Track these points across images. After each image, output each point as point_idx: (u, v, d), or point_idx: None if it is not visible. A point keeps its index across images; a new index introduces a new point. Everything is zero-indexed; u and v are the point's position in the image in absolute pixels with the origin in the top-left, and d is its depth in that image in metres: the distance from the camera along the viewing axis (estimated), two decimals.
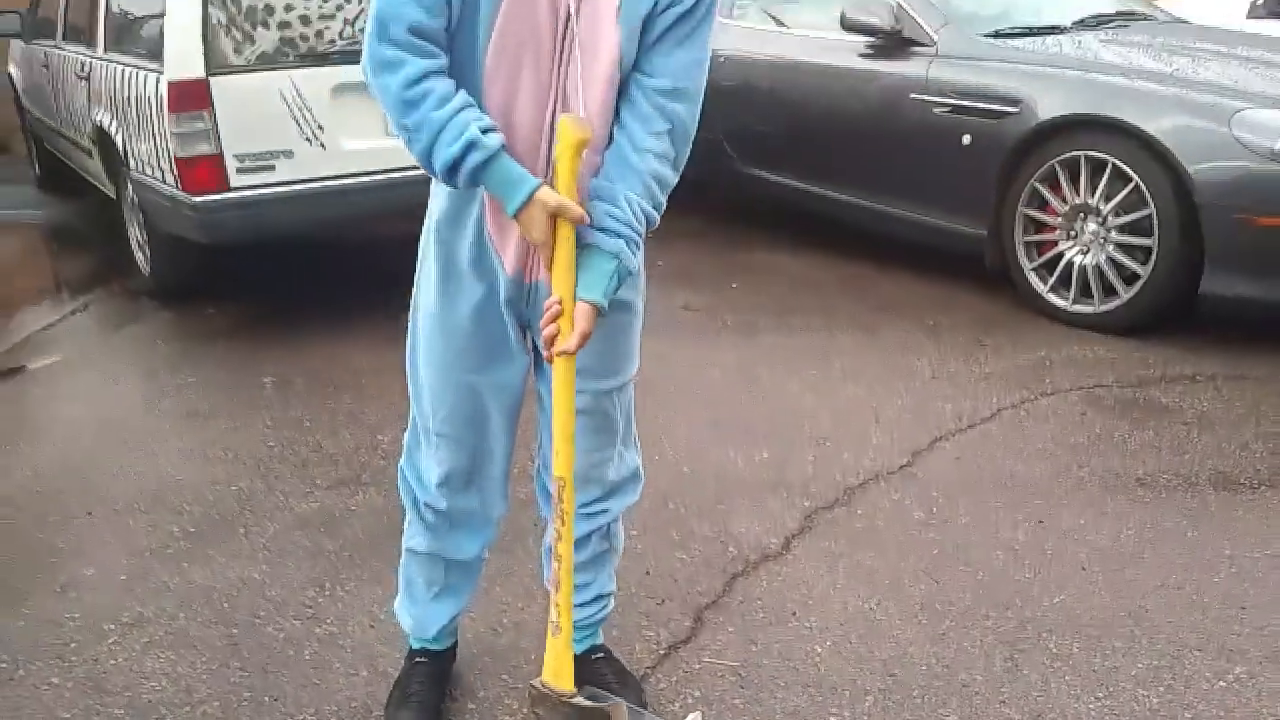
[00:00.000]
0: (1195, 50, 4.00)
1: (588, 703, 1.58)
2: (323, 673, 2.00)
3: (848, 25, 4.30)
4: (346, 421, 3.14)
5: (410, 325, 1.67)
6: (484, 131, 1.37)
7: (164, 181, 3.74)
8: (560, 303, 1.44)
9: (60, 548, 2.47)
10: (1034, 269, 3.83)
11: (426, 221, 1.61)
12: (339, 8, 3.72)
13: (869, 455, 2.84)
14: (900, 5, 4.24)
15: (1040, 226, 3.78)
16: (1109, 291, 3.64)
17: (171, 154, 3.58)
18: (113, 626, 2.14)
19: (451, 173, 1.39)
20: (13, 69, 6.59)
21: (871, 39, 4.29)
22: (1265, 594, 2.17)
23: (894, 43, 4.22)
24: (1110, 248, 3.60)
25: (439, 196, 1.55)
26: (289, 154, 3.68)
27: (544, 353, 1.49)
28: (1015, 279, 3.90)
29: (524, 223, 1.42)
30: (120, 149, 4.13)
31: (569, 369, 1.49)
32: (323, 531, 2.51)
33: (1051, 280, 3.78)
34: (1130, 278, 3.57)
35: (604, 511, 1.76)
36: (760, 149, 4.85)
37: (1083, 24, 4.33)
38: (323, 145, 3.72)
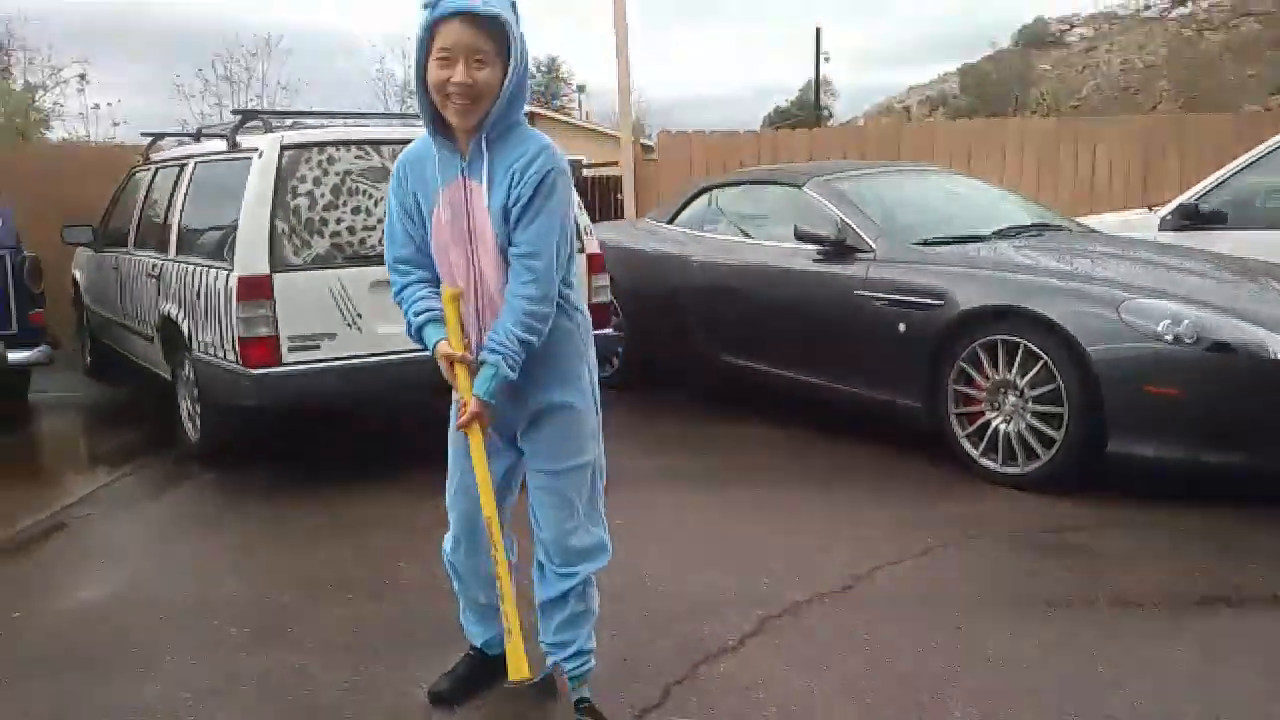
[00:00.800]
0: (1095, 253, 4.77)
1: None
2: None
3: (800, 236, 5.11)
4: (372, 553, 3.68)
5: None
6: (418, 314, 2.28)
7: (225, 358, 4.42)
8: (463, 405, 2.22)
9: (141, 641, 2.97)
10: (966, 436, 4.45)
11: None
12: (378, 221, 4.51)
13: (814, 580, 3.35)
14: (843, 220, 5.07)
15: (969, 399, 4.43)
16: (1031, 454, 4.24)
17: (235, 335, 4.28)
18: (188, 694, 2.63)
19: (416, 337, 2.32)
20: (77, 273, 7.43)
21: (821, 247, 5.08)
22: (1144, 683, 2.67)
23: (839, 250, 5.01)
24: (1029, 416, 4.22)
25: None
26: (332, 336, 4.38)
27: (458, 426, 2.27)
28: (951, 445, 4.50)
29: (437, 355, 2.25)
30: (185, 334, 4.82)
31: (477, 441, 2.23)
32: (355, 630, 3.01)
33: (982, 446, 4.39)
34: (1049, 441, 4.18)
35: (574, 574, 2.37)
36: (731, 339, 5.58)
37: (1002, 234, 5.12)
38: (360, 329, 4.43)
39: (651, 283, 6.08)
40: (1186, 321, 3.91)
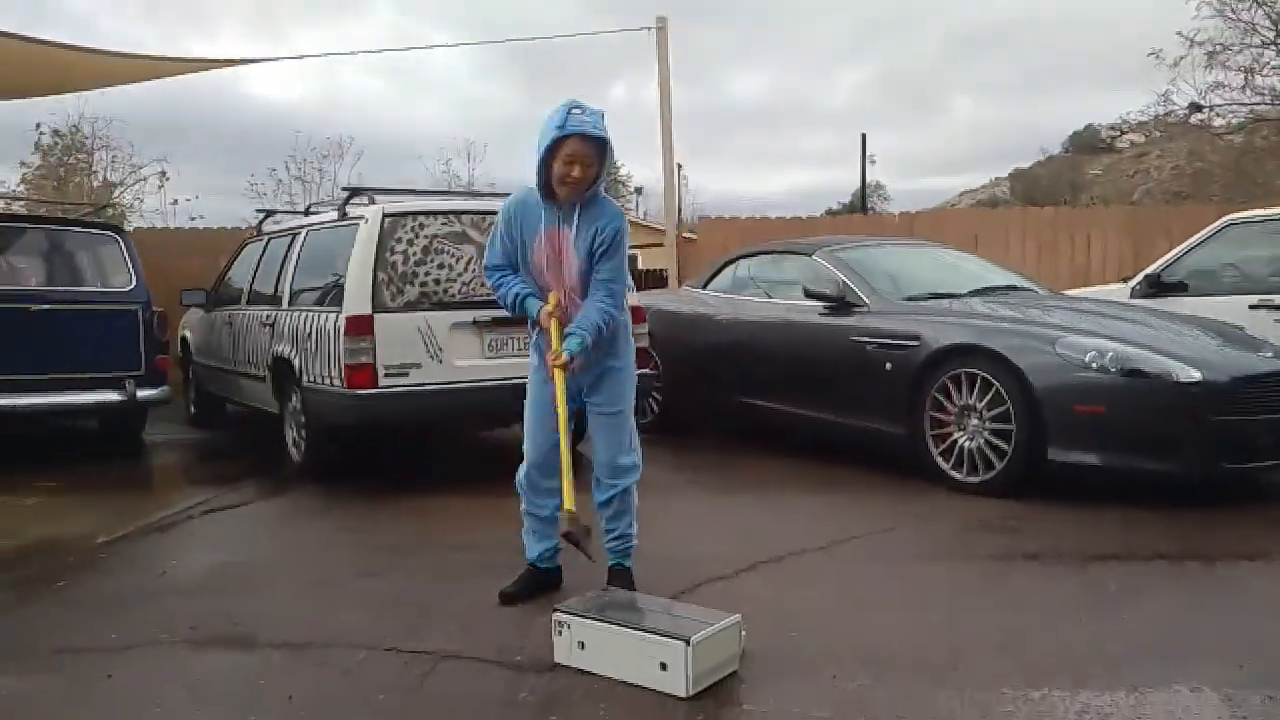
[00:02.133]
0: (1048, 306, 5.71)
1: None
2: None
3: (809, 294, 6.11)
4: (448, 525, 4.65)
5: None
6: (518, 293, 3.42)
7: (331, 384, 5.47)
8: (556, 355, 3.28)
9: (265, 577, 3.95)
10: (939, 454, 5.34)
11: (532, 341, 3.48)
12: (458, 275, 5.59)
13: (799, 543, 4.26)
14: (844, 281, 6.08)
15: (940, 423, 5.33)
16: (989, 466, 5.11)
17: (342, 363, 5.33)
18: (307, 607, 3.59)
19: (512, 307, 3.35)
20: (186, 332, 8.62)
21: (826, 303, 6.07)
22: (1041, 611, 3.54)
23: (840, 305, 6.01)
24: (986, 434, 5.11)
25: (536, 333, 3.49)
26: (419, 366, 5.41)
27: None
28: (925, 462, 5.38)
29: (541, 320, 3.34)
30: (296, 369, 5.89)
31: (561, 383, 3.31)
32: (438, 566, 3.97)
33: (951, 461, 5.27)
34: (1002, 454, 5.05)
35: (617, 485, 3.37)
36: (748, 383, 6.54)
37: (975, 293, 6.09)
38: (440, 361, 5.46)
39: (685, 339, 7.09)
40: (1110, 354, 4.83)
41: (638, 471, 3.56)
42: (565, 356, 3.28)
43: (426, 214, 5.64)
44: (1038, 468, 4.94)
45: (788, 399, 6.30)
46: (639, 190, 49.52)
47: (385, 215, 5.54)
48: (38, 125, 20.99)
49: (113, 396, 6.71)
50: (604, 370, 3.48)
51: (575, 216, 3.34)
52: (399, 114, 60.97)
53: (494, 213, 5.78)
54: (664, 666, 2.74)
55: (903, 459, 5.53)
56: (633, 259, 10.48)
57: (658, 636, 2.77)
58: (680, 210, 14.75)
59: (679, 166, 25.80)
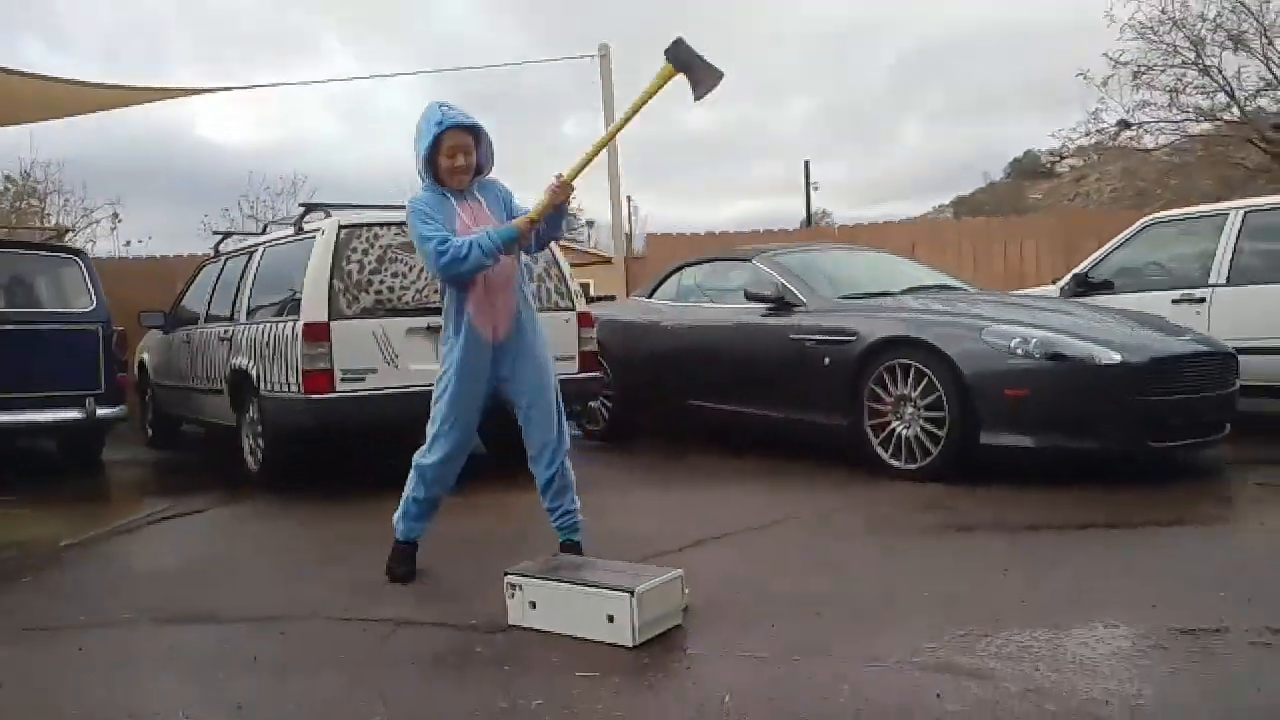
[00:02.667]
0: (976, 301, 6.01)
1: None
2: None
3: (749, 296, 6.36)
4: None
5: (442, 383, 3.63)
6: (485, 236, 3.43)
7: (289, 391, 5.60)
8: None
9: (231, 567, 4.08)
10: (878, 443, 5.58)
11: (450, 345, 3.62)
12: (412, 283, 5.77)
13: (745, 520, 4.48)
14: (783, 283, 6.33)
15: (878, 413, 5.57)
16: (926, 452, 5.36)
17: (300, 369, 5.47)
18: (266, 595, 3.73)
19: (488, 251, 3.40)
20: (145, 355, 8.69)
21: (766, 305, 6.32)
22: (966, 569, 3.77)
23: (780, 305, 6.26)
24: (921, 422, 5.36)
25: (461, 335, 3.59)
26: (374, 370, 5.57)
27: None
28: (866, 452, 5.62)
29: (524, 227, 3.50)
30: (254, 379, 6.02)
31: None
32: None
33: (890, 450, 5.51)
34: (937, 441, 5.30)
35: (554, 463, 3.68)
36: (696, 386, 6.77)
37: (908, 291, 6.37)
38: (396, 366, 5.62)
39: (634, 347, 7.31)
40: (1034, 340, 5.11)
41: (568, 443, 3.77)
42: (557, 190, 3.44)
43: (381, 225, 5.83)
44: (972, 452, 5.19)
45: (735, 399, 6.52)
46: (590, 223, 49.96)
47: (341, 226, 5.72)
48: None
49: (74, 414, 6.79)
50: (521, 357, 3.65)
51: (478, 194, 3.66)
52: (352, 153, 61.08)
53: None
54: (611, 619, 2.92)
55: (846, 452, 5.77)
56: (585, 285, 10.72)
57: (604, 590, 2.96)
58: (631, 238, 15.02)
59: (628, 198, 26.18)
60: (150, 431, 8.71)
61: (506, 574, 3.17)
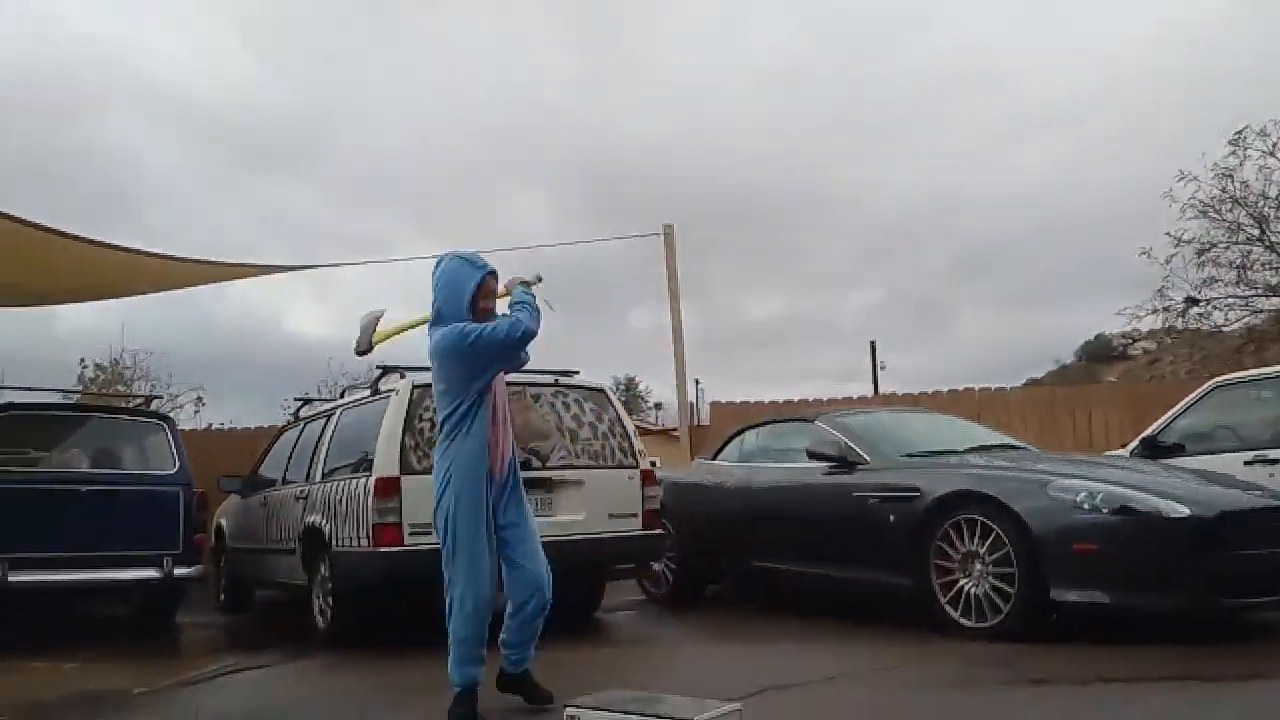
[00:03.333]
0: (1040, 458, 6.01)
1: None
2: None
3: (811, 454, 6.43)
4: None
5: (449, 539, 3.79)
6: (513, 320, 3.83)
7: (360, 545, 5.74)
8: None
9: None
10: (946, 602, 5.48)
11: (452, 493, 3.80)
12: None
13: (808, 674, 4.40)
14: (845, 442, 6.40)
15: (946, 570, 5.50)
16: (996, 610, 5.25)
17: (370, 524, 5.63)
18: None
19: (534, 318, 3.86)
20: (222, 521, 8.95)
21: (828, 463, 6.38)
22: None
23: (842, 464, 6.30)
24: (990, 578, 5.28)
25: (469, 474, 3.79)
26: None
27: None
28: (934, 611, 5.51)
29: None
30: (326, 535, 6.18)
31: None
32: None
33: (959, 609, 5.40)
34: (1008, 598, 5.20)
35: (546, 602, 3.93)
36: (761, 546, 6.75)
37: (972, 450, 6.38)
38: None
39: (698, 508, 7.34)
40: (1100, 494, 5.07)
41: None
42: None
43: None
44: (1043, 610, 5.08)
45: (799, 559, 6.49)
46: (658, 405, 50.86)
47: (415, 386, 5.98)
48: (81, 360, 22.02)
49: (151, 573, 6.98)
50: (512, 488, 3.89)
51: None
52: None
53: (515, 383, 6.28)
54: None
55: (914, 614, 5.66)
56: (653, 464, 10.95)
57: None
58: (696, 412, 15.25)
59: (696, 380, 26.61)
60: (223, 596, 8.85)
61: (566, 706, 3.18)
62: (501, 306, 3.95)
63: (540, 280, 4.02)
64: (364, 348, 4.37)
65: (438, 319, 3.89)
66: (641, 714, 3.03)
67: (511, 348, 3.81)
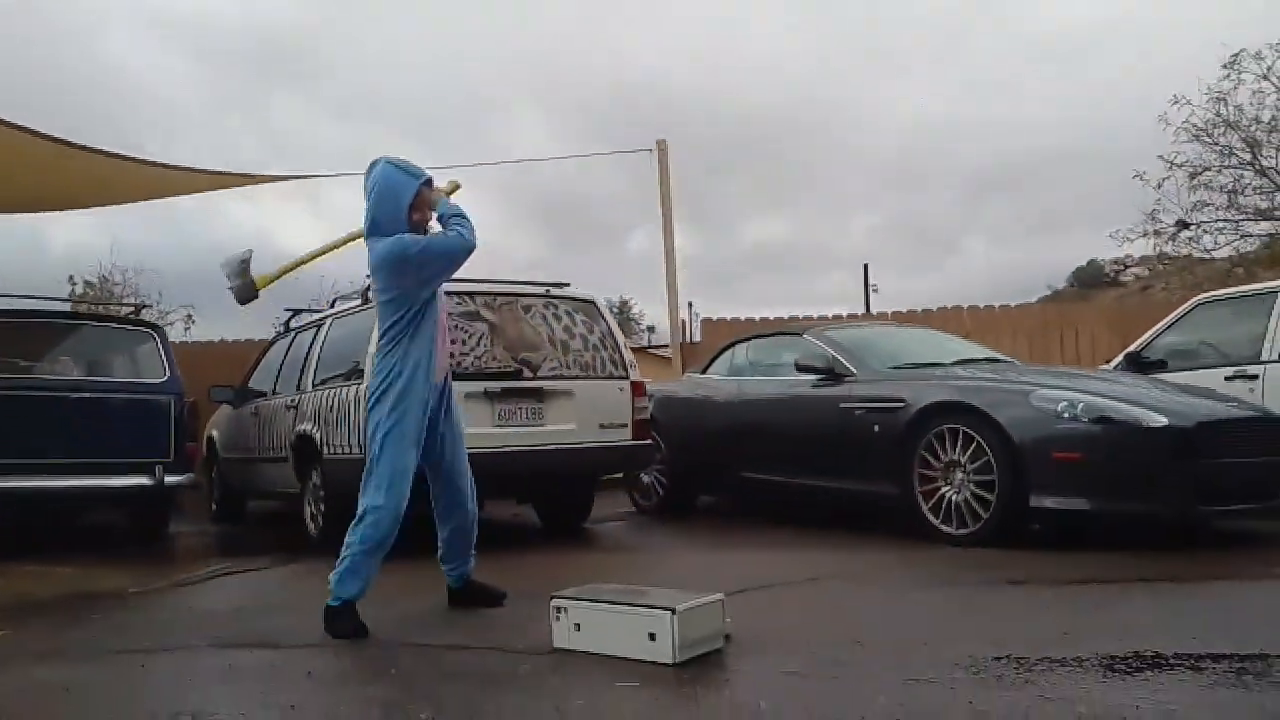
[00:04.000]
0: (1023, 370, 6.06)
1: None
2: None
3: (800, 368, 6.47)
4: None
5: (378, 448, 3.74)
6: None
7: (351, 453, 5.79)
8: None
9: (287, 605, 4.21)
10: (928, 509, 5.58)
11: (390, 401, 3.75)
12: (471, 349, 5.99)
13: (792, 575, 4.50)
14: (832, 355, 6.45)
15: (929, 479, 5.58)
16: (976, 517, 5.34)
17: (361, 431, 5.66)
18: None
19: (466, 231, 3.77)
20: (214, 432, 9.00)
21: (816, 376, 6.43)
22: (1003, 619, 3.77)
23: (830, 376, 6.35)
24: (971, 486, 5.36)
25: (413, 382, 3.76)
26: None
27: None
28: (916, 518, 5.62)
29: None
30: (317, 443, 6.23)
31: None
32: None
33: (940, 516, 5.50)
34: (988, 505, 5.29)
35: (472, 511, 4.02)
36: (749, 457, 6.84)
37: (958, 363, 6.44)
38: None
39: (688, 421, 7.41)
40: (1081, 404, 5.13)
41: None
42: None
43: (445, 293, 6.07)
44: (1022, 516, 5.18)
45: (786, 470, 6.58)
46: (651, 328, 50.92)
47: None
48: (70, 277, 21.78)
49: (143, 481, 7.03)
50: (449, 396, 3.99)
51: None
52: None
53: (508, 294, 6.26)
54: (652, 637, 2.99)
55: (899, 522, 5.76)
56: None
57: (646, 609, 3.03)
58: (689, 331, 15.27)
59: (690, 304, 26.54)
60: (215, 507, 8.94)
61: (552, 598, 3.25)
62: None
63: (459, 188, 3.93)
64: (247, 295, 4.14)
65: (374, 228, 3.76)
66: (624, 603, 3.10)
67: (457, 262, 3.78)
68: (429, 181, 3.81)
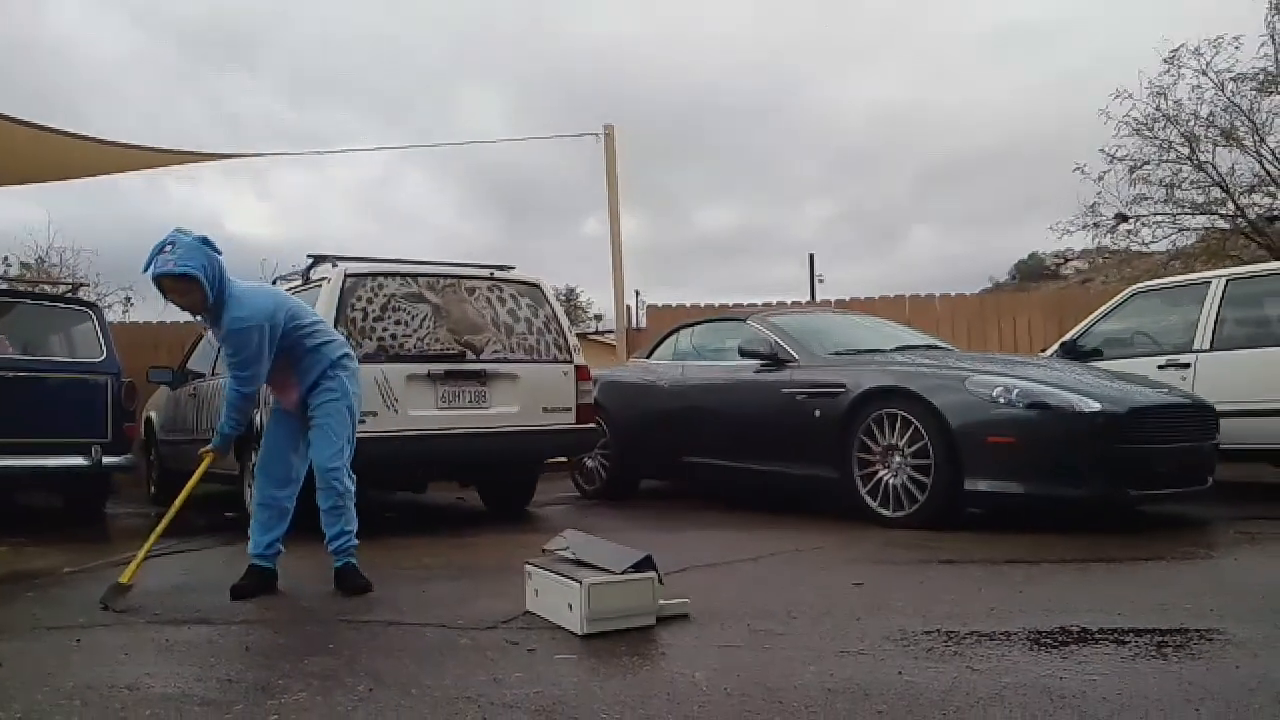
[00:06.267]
0: (961, 358, 6.18)
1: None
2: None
3: (743, 353, 6.55)
4: (394, 565, 4.90)
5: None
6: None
7: None
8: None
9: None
10: (866, 492, 5.68)
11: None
12: (414, 331, 5.97)
13: (730, 555, 4.57)
14: (775, 340, 6.52)
15: (867, 463, 5.69)
16: (913, 500, 5.46)
17: None
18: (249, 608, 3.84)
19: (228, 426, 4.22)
20: (152, 414, 8.86)
21: (759, 361, 6.50)
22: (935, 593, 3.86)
23: (773, 362, 6.44)
24: (909, 470, 5.48)
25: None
26: (375, 414, 5.72)
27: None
28: (855, 502, 5.72)
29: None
30: (257, 425, 6.16)
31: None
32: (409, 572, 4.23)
33: (878, 499, 5.61)
34: (924, 488, 5.41)
35: (332, 487, 4.16)
36: (693, 442, 6.90)
37: (898, 350, 6.55)
38: (396, 410, 5.78)
39: (632, 406, 7.47)
40: (1015, 390, 5.26)
41: (344, 476, 4.15)
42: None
43: (385, 275, 6.05)
44: (958, 500, 5.29)
45: (729, 455, 6.65)
46: (598, 317, 50.96)
47: (347, 275, 5.94)
48: (4, 258, 21.19)
49: (79, 461, 6.92)
50: (318, 386, 4.13)
51: (217, 319, 3.94)
52: (366, 247, 62.13)
53: (449, 276, 6.24)
54: (570, 607, 3.05)
55: (839, 506, 5.86)
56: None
57: (566, 580, 3.10)
58: (634, 316, 15.29)
59: (636, 292, 26.61)
60: (154, 489, 8.81)
61: (526, 563, 3.36)
62: None
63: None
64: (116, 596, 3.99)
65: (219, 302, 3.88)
66: (559, 574, 3.16)
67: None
68: (164, 277, 3.76)
